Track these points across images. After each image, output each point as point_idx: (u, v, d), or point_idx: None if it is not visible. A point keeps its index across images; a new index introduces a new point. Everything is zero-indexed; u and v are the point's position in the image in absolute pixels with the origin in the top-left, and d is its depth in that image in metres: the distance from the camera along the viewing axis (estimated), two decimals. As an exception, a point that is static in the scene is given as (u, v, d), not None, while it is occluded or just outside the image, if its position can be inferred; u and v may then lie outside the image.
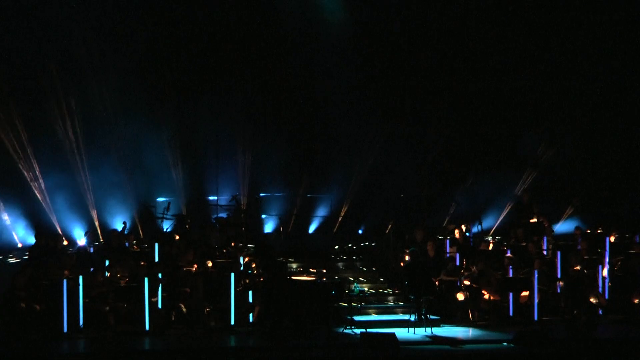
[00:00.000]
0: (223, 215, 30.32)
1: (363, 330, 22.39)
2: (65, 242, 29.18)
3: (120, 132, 31.42)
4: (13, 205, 30.47)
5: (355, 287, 26.33)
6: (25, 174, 30.29)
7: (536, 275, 24.62)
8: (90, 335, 22.67)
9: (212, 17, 32.35)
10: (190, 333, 22.98)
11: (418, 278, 24.24)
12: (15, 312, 22.69)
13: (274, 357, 20.29)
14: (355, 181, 33.49)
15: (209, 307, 23.80)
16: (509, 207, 32.35)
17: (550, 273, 25.17)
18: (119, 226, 28.39)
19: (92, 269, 24.48)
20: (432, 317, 23.99)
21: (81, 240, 29.42)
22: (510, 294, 24.68)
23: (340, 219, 33.57)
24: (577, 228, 28.88)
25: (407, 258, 26.23)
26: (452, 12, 33.27)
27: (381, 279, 28.30)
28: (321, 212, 33.69)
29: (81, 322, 23.00)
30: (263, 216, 32.96)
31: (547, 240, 27.21)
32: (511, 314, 24.61)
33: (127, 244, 27.08)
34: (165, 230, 28.93)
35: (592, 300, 24.80)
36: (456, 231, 28.06)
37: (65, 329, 22.78)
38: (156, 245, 25.68)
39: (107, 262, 24.91)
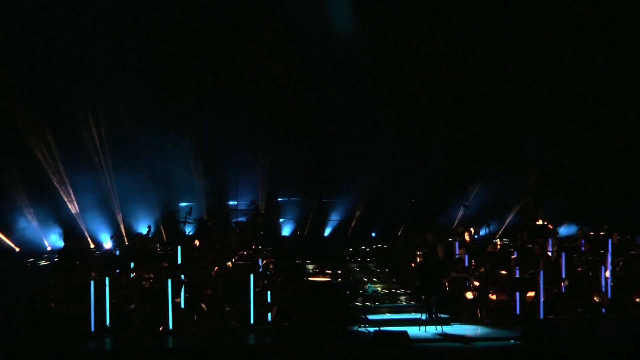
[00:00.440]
0: (242, 219, 30.34)
1: (376, 328, 22.41)
2: (92, 246, 29.30)
3: (144, 140, 31.43)
4: (43, 211, 30.56)
5: (368, 287, 26.35)
6: (55, 181, 30.35)
7: (541, 276, 24.57)
8: (116, 334, 22.70)
9: (232, 30, 32.34)
10: (211, 332, 22.97)
11: (429, 279, 24.25)
12: (44, 312, 22.75)
13: (291, 355, 20.26)
14: (368, 186, 33.44)
15: (229, 307, 23.80)
16: (515, 211, 32.27)
17: (554, 273, 25.09)
18: (143, 230, 28.39)
19: (118, 271, 24.52)
20: (442, 315, 23.96)
21: (107, 244, 29.47)
22: (517, 294, 24.62)
23: (354, 222, 33.55)
24: (580, 230, 28.80)
25: (418, 259, 26.21)
26: (454, 27, 33.23)
27: (393, 280, 28.23)
28: (336, 216, 33.67)
29: (108, 322, 23.03)
30: (280, 220, 32.96)
31: (552, 242, 27.14)
32: (518, 312, 24.53)
33: (151, 247, 27.09)
34: (187, 233, 28.95)
35: (595, 299, 24.77)
36: (465, 234, 28.02)
37: (92, 329, 22.80)
38: (179, 248, 25.71)
39: (132, 265, 24.96)
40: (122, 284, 23.69)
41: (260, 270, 25.02)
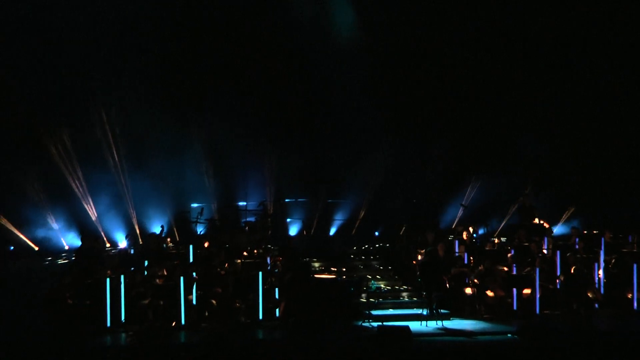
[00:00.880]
0: (251, 219, 30.33)
1: (380, 323, 22.39)
2: (108, 245, 29.33)
3: (157, 144, 31.47)
4: (61, 212, 30.59)
5: (372, 284, 26.36)
6: (73, 184, 30.38)
7: (538, 273, 24.55)
8: (131, 329, 22.71)
9: (234, 32, 32.26)
10: (221, 327, 22.96)
11: (430, 276, 24.24)
12: (62, 308, 22.77)
13: (298, 349, 20.23)
14: (371, 187, 33.43)
15: (239, 303, 23.80)
16: (512, 210, 32.24)
17: (550, 270, 25.07)
18: (156, 230, 28.40)
19: (132, 269, 24.55)
20: (442, 311, 23.92)
21: (122, 243, 29.49)
22: (514, 290, 24.62)
23: (358, 222, 33.55)
24: (573, 229, 28.75)
25: (419, 257, 26.20)
26: (454, 27, 33.11)
27: (396, 277, 28.23)
28: (340, 216, 33.68)
29: (123, 318, 23.04)
30: (288, 220, 32.99)
31: (547, 241, 27.11)
32: (515, 308, 24.51)
33: (164, 246, 27.09)
34: (199, 233, 28.95)
35: (589, 295, 24.73)
36: (464, 233, 28.01)
37: (108, 324, 22.83)
38: (190, 247, 25.73)
39: (146, 263, 24.98)
40: (136, 281, 23.73)
41: (269, 268, 25.02)
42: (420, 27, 33.04)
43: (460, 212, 32.39)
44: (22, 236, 30.24)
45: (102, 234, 30.20)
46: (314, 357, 19.21)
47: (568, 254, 25.48)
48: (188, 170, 31.75)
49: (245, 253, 26.11)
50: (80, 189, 30.49)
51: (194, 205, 31.46)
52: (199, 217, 29.21)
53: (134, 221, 31.09)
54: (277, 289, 24.16)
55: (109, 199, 30.96)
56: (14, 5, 29.31)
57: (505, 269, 25.36)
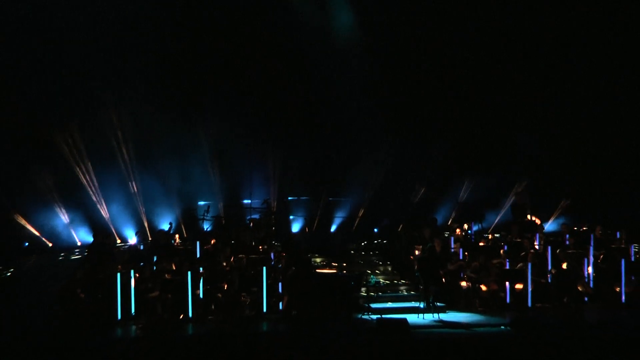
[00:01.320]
0: (256, 216, 30.35)
1: (379, 316, 22.40)
2: (118, 241, 29.33)
3: (165, 144, 31.46)
4: (74, 210, 30.60)
5: (371, 279, 26.41)
6: (85, 183, 30.38)
7: (530, 268, 24.54)
8: (141, 321, 22.74)
9: (237, 33, 32.16)
10: (227, 320, 22.97)
11: (427, 270, 24.25)
12: (74, 302, 22.78)
13: (300, 341, 20.24)
14: (371, 186, 33.41)
15: (244, 297, 23.81)
16: (506, 208, 32.22)
17: (542, 265, 25.06)
18: (165, 226, 28.41)
19: (142, 264, 24.57)
20: (439, 304, 23.94)
21: (132, 239, 29.49)
22: (507, 284, 24.62)
23: (357, 220, 33.53)
24: (564, 225, 28.73)
25: (417, 252, 26.21)
26: (454, 27, 32.96)
27: (394, 272, 28.23)
28: (341, 213, 33.66)
29: (133, 311, 23.06)
30: (291, 217, 32.97)
31: (539, 237, 27.09)
32: (508, 301, 24.51)
33: (172, 242, 27.09)
34: (205, 230, 28.95)
35: (579, 289, 24.72)
36: (457, 230, 28.01)
37: (119, 317, 22.86)
38: (197, 243, 25.76)
39: (155, 258, 25.00)
40: (145, 276, 23.74)
41: (272, 263, 25.03)
42: (420, 27, 32.79)
43: (455, 209, 32.39)
44: (36, 233, 30.24)
45: (113, 230, 30.19)
46: (316, 348, 19.20)
47: (558, 250, 25.48)
48: (195, 170, 31.73)
49: (252, 250, 26.11)
50: (92, 188, 30.48)
51: (201, 203, 31.45)
52: (206, 214, 29.22)
53: (144, 218, 31.08)
54: (280, 284, 24.17)
55: (120, 198, 30.97)
56: (15, 6, 29.20)
57: (496, 262, 25.37)
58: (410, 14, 32.65)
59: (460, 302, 24.77)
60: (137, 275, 23.53)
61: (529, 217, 28.52)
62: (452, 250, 26.50)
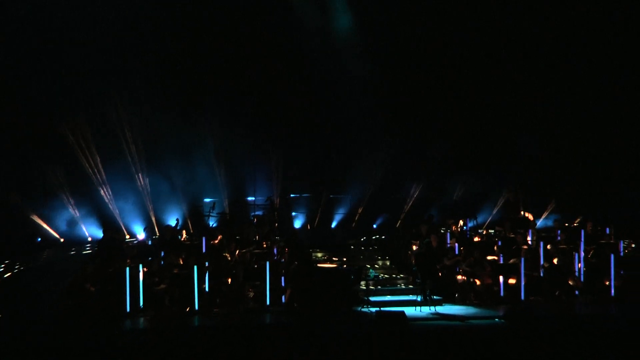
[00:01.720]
0: (259, 213, 30.35)
1: (377, 308, 22.41)
2: (127, 237, 29.35)
3: (172, 143, 31.49)
4: (84, 206, 30.63)
5: (371, 273, 26.39)
6: (95, 180, 30.40)
7: (522, 262, 24.57)
8: (149, 314, 22.77)
9: (238, 34, 32.09)
10: (232, 312, 22.99)
11: (423, 265, 24.28)
12: (84, 295, 22.82)
13: (302, 332, 20.25)
14: (370, 184, 33.42)
15: (249, 290, 23.85)
16: (499, 205, 32.22)
17: (534, 260, 25.08)
18: (172, 222, 28.41)
19: (150, 259, 24.60)
20: (435, 297, 23.96)
21: (141, 235, 29.52)
22: (501, 278, 24.64)
23: (357, 216, 33.56)
24: (556, 222, 28.76)
25: (414, 247, 26.23)
26: (454, 27, 32.84)
27: (392, 266, 28.27)
28: (341, 210, 33.68)
29: (141, 303, 23.08)
30: (293, 214, 33.00)
31: (532, 233, 27.10)
32: (502, 294, 24.53)
33: (179, 237, 27.11)
34: (211, 226, 28.97)
35: (570, 282, 24.74)
36: (453, 226, 28.03)
37: (128, 309, 22.87)
38: (203, 238, 25.79)
39: (162, 253, 25.03)
40: (153, 270, 23.76)
41: (275, 258, 25.05)
42: (420, 27, 32.57)
43: (451, 206, 32.39)
44: (48, 228, 30.27)
45: (122, 226, 30.21)
46: (317, 339, 19.21)
47: (548, 246, 25.53)
48: (200, 169, 31.75)
49: (255, 245, 26.13)
50: (103, 186, 30.51)
51: (207, 200, 31.48)
52: (211, 211, 29.22)
53: (152, 215, 31.11)
54: (283, 277, 24.19)
55: (129, 195, 30.99)
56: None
57: (492, 258, 25.39)
58: (410, 14, 32.46)
59: (456, 295, 24.78)
60: (146, 269, 23.55)
61: (521, 213, 28.54)
62: (448, 245, 26.53)
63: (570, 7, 32.19)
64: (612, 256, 25.14)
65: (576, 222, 28.31)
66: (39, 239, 30.20)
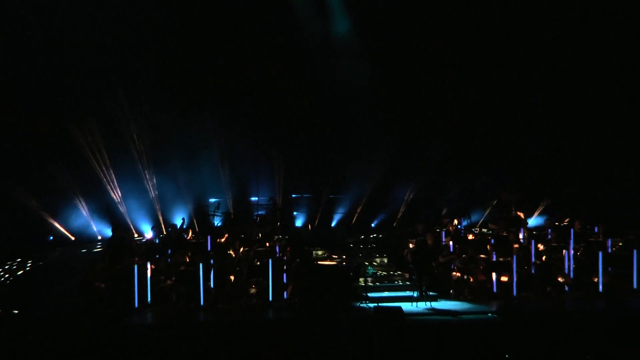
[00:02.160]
0: (262, 212, 30.37)
1: (376, 304, 22.42)
2: (135, 235, 29.38)
3: (179, 145, 31.50)
4: (94, 206, 30.65)
5: (369, 270, 26.42)
6: (105, 181, 30.43)
7: (514, 260, 24.60)
8: (156, 309, 22.83)
9: (239, 34, 31.97)
10: (236, 308, 23.03)
11: (420, 262, 24.31)
12: (94, 291, 22.89)
13: (303, 327, 20.30)
14: (369, 184, 33.40)
15: (252, 287, 23.88)
16: (492, 204, 32.18)
17: (526, 258, 25.11)
18: (178, 222, 28.45)
19: (157, 257, 24.65)
20: (431, 293, 23.99)
21: (148, 234, 29.55)
22: (494, 275, 24.68)
23: (356, 215, 33.56)
24: (547, 221, 28.78)
25: (410, 246, 26.24)
26: (453, 32, 32.58)
27: (390, 264, 28.28)
28: (341, 209, 33.69)
29: (149, 299, 23.13)
30: (295, 213, 33.00)
31: (523, 231, 27.13)
32: (494, 290, 24.56)
33: (184, 236, 27.13)
34: (216, 225, 28.99)
35: (560, 279, 24.78)
36: (449, 225, 28.04)
37: (136, 305, 22.94)
38: (209, 237, 25.83)
39: (169, 251, 25.09)
40: (160, 267, 23.82)
41: (278, 255, 25.08)
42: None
43: (446, 206, 32.39)
44: (60, 227, 30.30)
45: (131, 225, 30.24)
46: (317, 334, 19.26)
47: (539, 244, 25.58)
48: (206, 169, 31.76)
49: (259, 243, 26.16)
50: (112, 186, 30.53)
51: (212, 200, 31.49)
52: (216, 211, 29.26)
53: (159, 214, 31.14)
54: (285, 274, 24.23)
55: (137, 194, 31.01)
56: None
57: (484, 257, 25.45)
58: (410, 14, 32.18)
59: (450, 291, 24.82)
60: (153, 266, 23.63)
61: (513, 212, 28.56)
62: (443, 243, 26.56)
63: (570, 7, 31.84)
64: (600, 254, 25.18)
65: (565, 221, 28.28)
66: (51, 238, 30.21)
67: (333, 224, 33.50)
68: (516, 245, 25.58)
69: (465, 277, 24.72)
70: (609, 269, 25.22)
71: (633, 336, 18.56)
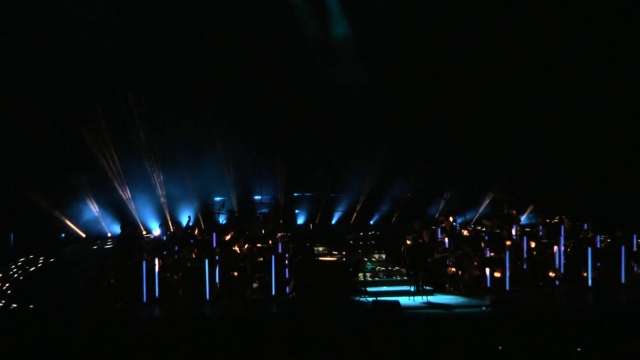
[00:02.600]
0: (265, 210, 30.39)
1: (374, 298, 22.47)
2: (144, 232, 29.42)
3: (185, 146, 31.49)
4: (104, 204, 30.69)
5: (368, 265, 26.49)
6: (114, 181, 30.46)
7: (507, 256, 24.66)
8: (164, 304, 22.90)
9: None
10: (240, 302, 23.08)
11: (417, 258, 24.37)
12: (105, 286, 22.97)
13: (304, 321, 20.34)
14: (368, 183, 33.39)
15: (256, 282, 23.95)
16: (486, 202, 32.20)
17: (518, 254, 25.17)
18: (184, 219, 28.48)
19: (165, 253, 24.70)
20: (427, 288, 24.06)
21: (156, 231, 29.58)
22: (488, 270, 24.74)
23: (355, 213, 33.58)
24: (539, 218, 28.81)
25: (408, 242, 26.28)
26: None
27: (388, 259, 28.34)
28: (341, 207, 33.68)
29: (157, 294, 23.20)
30: (296, 211, 33.02)
31: (516, 228, 27.19)
32: (488, 285, 24.63)
33: (189, 232, 27.13)
34: (220, 223, 29.03)
35: (551, 274, 24.84)
36: (445, 222, 28.07)
37: (144, 299, 23.02)
38: (214, 234, 25.88)
39: (176, 248, 25.15)
40: (168, 264, 23.87)
41: (280, 251, 25.13)
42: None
43: (442, 204, 32.41)
44: (71, 225, 30.35)
45: (139, 223, 30.28)
46: (318, 327, 19.31)
47: (530, 241, 25.65)
48: (212, 169, 31.75)
49: (262, 240, 26.22)
50: (121, 185, 30.57)
51: (217, 198, 31.51)
52: (221, 209, 29.30)
53: (166, 212, 31.17)
54: (287, 270, 24.28)
55: (145, 193, 31.03)
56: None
57: (478, 253, 25.52)
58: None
59: (446, 286, 24.88)
60: (161, 262, 23.68)
61: (506, 210, 28.59)
62: (439, 239, 26.61)
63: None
64: (590, 250, 25.26)
65: (556, 219, 28.31)
66: (63, 235, 30.25)
67: (333, 222, 33.50)
68: (509, 242, 25.64)
69: (460, 272, 24.77)
70: (598, 264, 25.31)
71: (621, 329, 18.61)
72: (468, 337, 18.15)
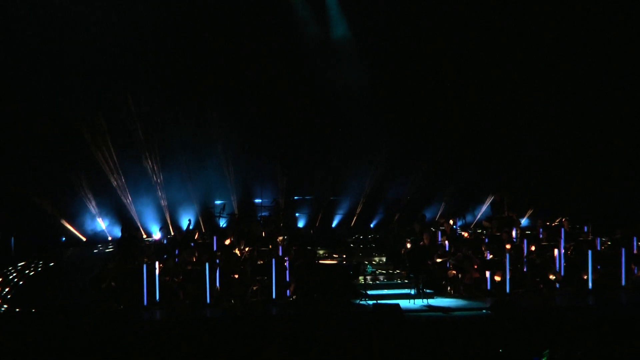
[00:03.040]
0: (266, 213, 30.39)
1: (374, 301, 22.48)
2: (144, 236, 29.45)
3: (186, 149, 31.49)
4: (105, 207, 30.70)
5: (368, 268, 26.52)
6: (115, 184, 30.47)
7: (508, 258, 24.69)
8: (164, 306, 22.94)
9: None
10: (241, 304, 23.12)
11: (417, 261, 24.41)
12: (106, 289, 23.02)
13: (304, 323, 20.37)
14: (368, 186, 33.37)
15: (256, 284, 23.98)
16: (486, 205, 32.19)
17: (518, 256, 25.19)
18: (185, 223, 28.49)
19: (165, 256, 24.73)
20: (427, 290, 24.09)
21: (157, 234, 29.59)
22: (488, 273, 24.76)
23: (356, 216, 33.57)
24: (539, 221, 28.81)
25: (408, 245, 26.30)
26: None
27: (388, 262, 28.33)
28: (341, 210, 33.68)
29: (157, 297, 23.23)
30: (297, 214, 33.02)
31: (516, 231, 27.21)
32: (489, 287, 24.64)
33: (189, 235, 27.14)
34: (221, 226, 29.05)
35: (551, 276, 24.86)
36: (445, 224, 28.09)
37: (145, 302, 23.05)
38: (214, 238, 25.90)
39: (177, 251, 25.18)
40: (169, 267, 23.91)
41: (281, 254, 25.16)
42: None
43: (442, 206, 32.41)
44: (72, 229, 30.36)
45: (140, 226, 30.25)
46: (319, 329, 19.34)
47: (530, 244, 25.68)
48: (212, 172, 31.75)
49: (263, 243, 26.25)
50: (122, 188, 30.58)
51: (217, 202, 31.53)
52: (222, 212, 29.34)
53: (167, 215, 31.18)
54: (287, 272, 24.30)
55: (146, 196, 31.03)
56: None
57: (479, 255, 25.54)
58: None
59: (446, 288, 24.91)
60: (161, 266, 23.71)
61: (506, 213, 28.61)
62: (439, 242, 26.63)
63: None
64: (590, 252, 25.28)
65: (556, 221, 28.31)
66: (63, 239, 30.27)
67: (334, 225, 33.52)
68: (509, 245, 25.66)
69: (460, 275, 24.79)
70: (598, 267, 25.33)
71: (622, 331, 18.63)
72: (468, 340, 18.19)
